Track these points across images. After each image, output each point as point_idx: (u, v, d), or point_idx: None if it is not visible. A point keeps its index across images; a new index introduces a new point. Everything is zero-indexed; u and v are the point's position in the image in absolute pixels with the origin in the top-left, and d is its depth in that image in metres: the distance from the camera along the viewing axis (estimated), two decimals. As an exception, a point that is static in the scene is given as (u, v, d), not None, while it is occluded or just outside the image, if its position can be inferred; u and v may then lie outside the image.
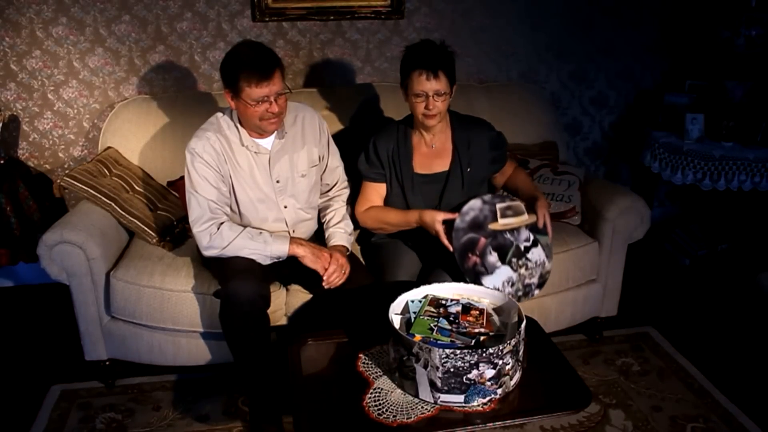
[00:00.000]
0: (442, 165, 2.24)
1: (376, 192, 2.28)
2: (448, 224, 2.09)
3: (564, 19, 3.27)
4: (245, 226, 2.10)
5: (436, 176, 2.24)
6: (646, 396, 2.40)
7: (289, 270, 2.18)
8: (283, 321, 2.29)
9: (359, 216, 2.29)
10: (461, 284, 1.88)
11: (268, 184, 2.15)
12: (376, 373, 1.73)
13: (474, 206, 2.10)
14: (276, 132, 2.12)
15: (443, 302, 1.81)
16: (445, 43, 2.11)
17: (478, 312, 1.78)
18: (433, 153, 2.24)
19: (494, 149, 2.27)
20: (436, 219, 2.08)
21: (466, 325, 1.73)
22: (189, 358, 2.34)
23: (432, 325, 1.71)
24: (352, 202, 2.37)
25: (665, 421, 2.27)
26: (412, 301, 1.82)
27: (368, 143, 2.27)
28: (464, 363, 1.54)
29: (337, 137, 2.66)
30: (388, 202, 2.29)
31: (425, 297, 1.84)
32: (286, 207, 2.19)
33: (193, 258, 2.33)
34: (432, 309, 1.78)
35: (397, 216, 2.21)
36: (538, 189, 2.32)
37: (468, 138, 2.23)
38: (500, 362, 1.57)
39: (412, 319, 1.75)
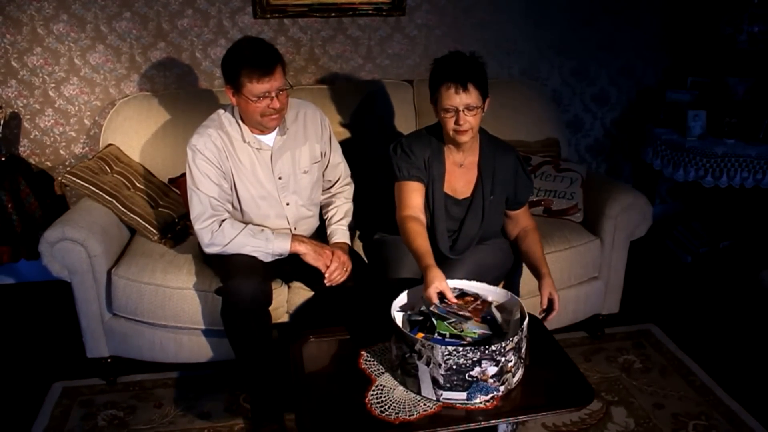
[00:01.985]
0: (465, 190, 2.12)
1: (417, 193, 2.04)
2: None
3: (565, 15, 3.26)
4: (247, 224, 2.10)
5: (458, 201, 2.12)
6: (648, 393, 2.39)
7: (290, 267, 2.18)
8: (285, 318, 2.29)
9: (399, 219, 2.03)
10: (464, 281, 1.88)
11: (271, 181, 2.14)
12: (379, 370, 1.73)
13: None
14: (278, 128, 2.12)
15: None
16: (475, 54, 2.00)
17: (471, 299, 1.78)
18: (459, 173, 2.11)
19: (518, 183, 2.13)
20: (439, 286, 1.75)
21: (455, 307, 1.73)
22: (190, 356, 2.34)
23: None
24: (357, 199, 2.37)
25: (667, 418, 2.27)
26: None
27: (398, 144, 2.09)
28: (467, 360, 1.54)
29: (339, 134, 2.66)
30: None
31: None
32: (288, 204, 2.18)
33: (195, 255, 2.33)
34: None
35: (417, 249, 1.90)
36: (546, 264, 2.08)
37: (494, 164, 2.10)
38: (503, 359, 1.57)
39: (435, 323, 1.69)
